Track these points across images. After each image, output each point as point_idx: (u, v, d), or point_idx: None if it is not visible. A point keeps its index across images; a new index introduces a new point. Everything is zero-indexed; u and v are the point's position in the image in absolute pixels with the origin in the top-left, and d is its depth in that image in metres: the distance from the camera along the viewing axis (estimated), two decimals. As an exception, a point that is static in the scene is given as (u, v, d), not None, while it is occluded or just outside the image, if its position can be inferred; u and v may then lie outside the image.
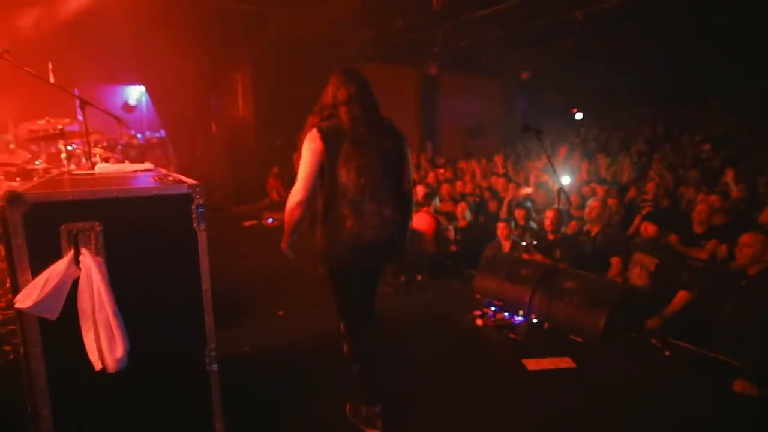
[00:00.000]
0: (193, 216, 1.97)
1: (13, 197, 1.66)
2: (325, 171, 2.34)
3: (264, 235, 7.93)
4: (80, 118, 3.57)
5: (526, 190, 6.67)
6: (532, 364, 3.43)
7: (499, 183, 7.22)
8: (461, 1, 8.01)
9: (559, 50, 9.29)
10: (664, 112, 12.47)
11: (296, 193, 2.36)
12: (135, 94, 11.19)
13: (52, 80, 5.16)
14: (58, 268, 1.71)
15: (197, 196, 1.96)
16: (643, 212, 5.21)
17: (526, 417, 2.80)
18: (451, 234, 5.86)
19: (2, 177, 4.69)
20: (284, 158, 10.12)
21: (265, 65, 9.84)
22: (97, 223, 1.79)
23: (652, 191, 6.28)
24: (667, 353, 3.54)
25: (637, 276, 4.24)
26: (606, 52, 10.77)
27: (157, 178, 2.23)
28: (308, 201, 2.37)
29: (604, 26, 8.04)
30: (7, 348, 2.82)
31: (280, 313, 4.40)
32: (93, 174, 2.89)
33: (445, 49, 9.42)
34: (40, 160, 4.96)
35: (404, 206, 2.53)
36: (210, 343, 2.07)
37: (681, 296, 3.77)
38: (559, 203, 4.76)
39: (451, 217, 6.19)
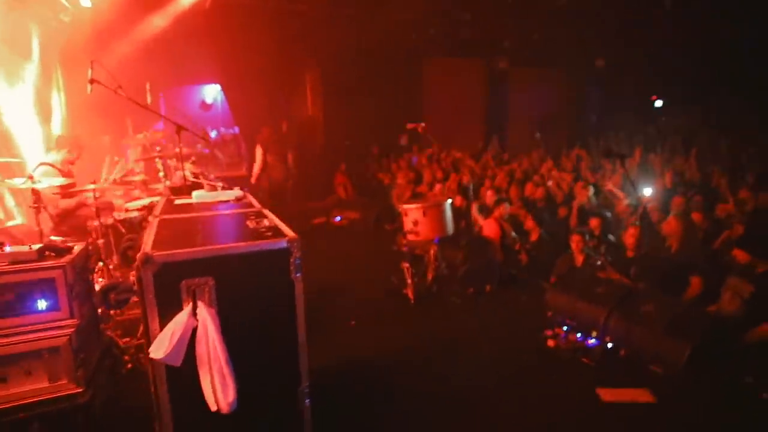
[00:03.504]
0: (291, 267, 2.14)
1: (146, 259, 1.90)
2: None
3: (332, 233, 8.23)
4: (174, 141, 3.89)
5: (589, 191, 6.39)
6: (607, 395, 3.38)
7: (575, 187, 6.88)
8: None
9: (638, 41, 8.69)
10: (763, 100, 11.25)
11: None
12: (212, 92, 11.89)
13: (149, 100, 5.64)
14: (181, 319, 1.95)
15: (295, 250, 2.13)
16: (734, 230, 4.82)
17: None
18: (518, 246, 5.78)
19: (109, 187, 5.22)
20: (352, 157, 10.38)
21: (333, 65, 10.04)
22: (211, 278, 2.01)
23: (747, 199, 5.75)
24: (765, 396, 3.31)
25: (728, 302, 3.99)
26: (693, 36, 9.92)
27: (254, 222, 2.44)
28: None
29: (692, 15, 7.40)
30: (126, 358, 3.21)
31: (352, 323, 4.58)
32: (191, 204, 3.18)
33: (515, 42, 9.10)
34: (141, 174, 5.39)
35: None
36: (304, 381, 2.26)
37: (764, 329, 3.51)
38: (641, 219, 4.58)
39: (519, 226, 6.08)
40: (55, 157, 4.84)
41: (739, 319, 3.87)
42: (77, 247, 2.62)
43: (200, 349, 1.97)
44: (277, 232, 2.24)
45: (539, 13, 8.18)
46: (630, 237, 4.70)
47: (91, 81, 3.59)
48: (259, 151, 8.55)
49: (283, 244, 2.12)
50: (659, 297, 4.08)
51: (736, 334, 3.74)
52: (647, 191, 5.83)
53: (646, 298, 4.04)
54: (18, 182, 3.74)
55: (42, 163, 4.58)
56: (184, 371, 1.96)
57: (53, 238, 4.02)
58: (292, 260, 2.13)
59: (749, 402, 3.28)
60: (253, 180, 8.56)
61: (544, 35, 9.09)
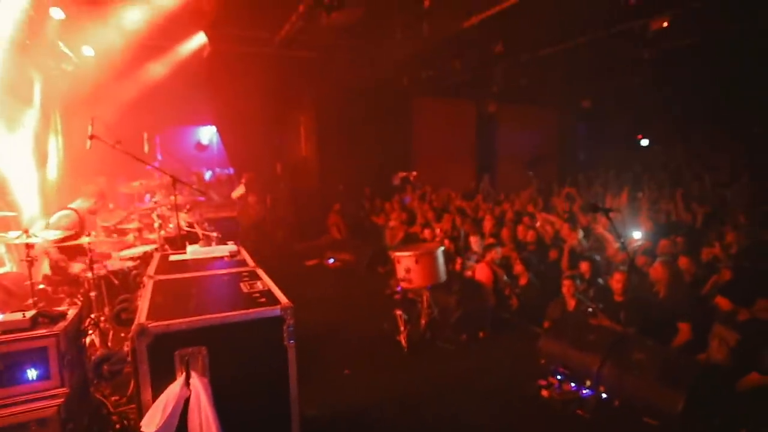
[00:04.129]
0: (285, 335, 2.17)
1: (141, 330, 1.93)
2: None
3: (326, 276, 8.22)
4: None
5: (579, 234, 6.48)
6: (602, 450, 3.36)
7: (563, 228, 7.00)
8: (522, 41, 8.00)
9: (624, 83, 9.03)
10: (747, 137, 11.57)
11: None
12: (207, 133, 12.10)
13: (146, 148, 5.75)
14: (173, 390, 1.96)
15: (288, 318, 2.16)
16: (721, 275, 4.90)
17: None
18: (508, 290, 5.82)
19: (102, 233, 5.26)
20: (346, 197, 10.50)
21: (326, 107, 10.31)
22: (204, 348, 2.03)
23: (732, 242, 5.85)
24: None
25: (716, 350, 4.03)
26: (675, 78, 10.32)
27: (248, 286, 2.48)
28: None
29: (672, 63, 7.74)
30: (114, 418, 3.16)
31: (346, 372, 4.55)
32: (186, 261, 3.22)
33: (504, 86, 9.42)
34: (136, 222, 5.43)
35: None
36: (296, 445, 2.25)
37: (752, 379, 3.54)
38: (629, 264, 4.65)
39: (510, 269, 6.14)
40: (82, 204, 4.93)
41: (727, 367, 3.90)
42: (71, 312, 2.62)
43: (192, 420, 1.97)
44: (270, 299, 2.28)
45: (525, 61, 8.51)
46: (616, 282, 4.76)
47: (91, 137, 3.70)
48: (241, 188, 9.17)
49: (276, 311, 2.16)
50: (650, 344, 4.11)
51: (726, 382, 3.76)
52: (636, 234, 5.93)
53: (637, 345, 4.07)
54: (12, 236, 3.76)
55: (67, 208, 4.67)
56: (176, 443, 1.95)
57: (42, 287, 4.03)
58: (285, 327, 2.16)
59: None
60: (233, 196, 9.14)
61: (531, 79, 9.42)
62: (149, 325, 1.95)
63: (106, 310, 4.16)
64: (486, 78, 10.03)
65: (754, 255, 5.52)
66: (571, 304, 5.19)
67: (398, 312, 5.01)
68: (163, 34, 7.30)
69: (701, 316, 4.52)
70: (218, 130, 11.25)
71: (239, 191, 9.28)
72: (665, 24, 6.57)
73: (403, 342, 4.93)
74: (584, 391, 4.04)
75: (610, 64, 8.32)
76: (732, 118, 11.55)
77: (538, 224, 7.38)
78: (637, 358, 3.93)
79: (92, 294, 4.02)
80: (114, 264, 4.47)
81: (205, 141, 12.05)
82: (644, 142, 13.71)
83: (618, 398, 3.89)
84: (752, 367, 3.66)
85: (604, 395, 3.96)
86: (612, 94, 11.60)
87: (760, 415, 3.48)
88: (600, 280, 5.46)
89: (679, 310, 4.61)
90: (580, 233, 6.53)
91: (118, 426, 3.18)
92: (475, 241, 6.53)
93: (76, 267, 4.56)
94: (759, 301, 4.27)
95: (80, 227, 4.95)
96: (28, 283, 3.59)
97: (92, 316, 3.99)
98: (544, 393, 4.09)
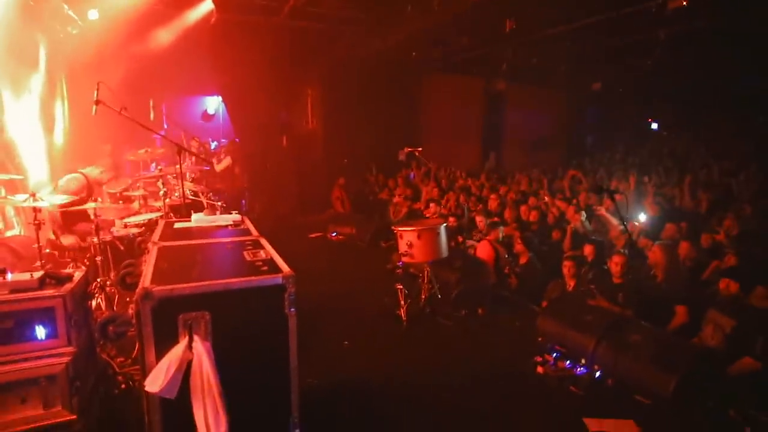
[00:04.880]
0: (286, 303, 2.21)
1: (146, 294, 1.97)
2: None
3: (328, 249, 8.29)
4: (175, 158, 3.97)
5: (582, 216, 6.47)
6: (593, 425, 3.44)
7: (569, 211, 7.00)
8: (533, 20, 7.83)
9: (635, 66, 8.86)
10: (756, 125, 11.45)
11: None
12: (213, 103, 12.00)
13: (152, 116, 5.74)
14: (176, 353, 2.02)
15: (289, 286, 2.20)
16: (724, 260, 4.91)
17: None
18: (508, 269, 5.86)
19: (108, 199, 5.30)
20: (350, 171, 10.48)
21: (334, 81, 10.18)
22: (207, 313, 2.08)
23: (731, 228, 5.84)
24: (747, 430, 3.37)
25: (710, 336, 4.07)
26: (687, 61, 10.11)
27: (251, 254, 2.51)
28: None
29: (686, 44, 7.56)
30: (119, 378, 3.26)
31: (345, 344, 4.64)
32: (190, 229, 3.25)
33: (513, 65, 9.26)
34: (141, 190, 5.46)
35: None
36: (294, 411, 2.32)
37: (745, 363, 3.59)
38: (630, 247, 4.67)
39: (511, 248, 6.16)
40: (93, 171, 4.95)
41: (721, 352, 3.95)
42: (77, 274, 2.68)
43: (194, 382, 2.03)
44: (273, 267, 2.32)
45: (536, 40, 8.33)
46: (615, 265, 4.78)
47: (97, 102, 3.69)
48: (227, 160, 9.11)
49: (278, 280, 2.19)
50: (646, 326, 4.15)
51: (719, 366, 3.81)
52: (641, 218, 5.92)
53: (633, 327, 4.11)
54: (20, 199, 3.81)
55: (77, 172, 4.71)
56: (178, 401, 2.02)
57: (48, 251, 4.09)
58: (286, 296, 2.20)
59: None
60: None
61: (542, 59, 9.25)
62: (153, 289, 1.99)
63: (112, 274, 4.24)
64: (496, 56, 9.85)
65: (753, 242, 5.52)
66: (571, 284, 5.24)
67: (399, 286, 5.07)
68: (170, -1, 7.20)
69: (698, 301, 4.56)
70: (224, 101, 11.17)
71: (225, 163, 9.19)
72: (684, 2, 6.39)
73: (402, 316, 5.00)
74: (579, 369, 4.12)
75: (621, 46, 8.13)
76: (743, 107, 11.37)
77: (546, 199, 7.37)
78: (633, 340, 3.98)
79: (98, 259, 4.08)
80: (119, 230, 4.52)
81: (211, 111, 11.96)
82: (654, 126, 13.52)
83: (612, 377, 3.96)
84: (745, 352, 3.71)
85: (598, 374, 4.04)
86: (622, 78, 11.40)
87: (750, 399, 3.54)
88: (604, 266, 5.47)
89: (676, 294, 4.65)
90: (583, 215, 6.52)
91: (123, 386, 3.28)
92: (480, 220, 6.54)
93: (66, 240, 4.60)
94: (758, 288, 4.30)
95: (88, 192, 4.99)
96: (36, 246, 3.65)
97: (98, 280, 4.07)
98: (540, 369, 4.17)
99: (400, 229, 4.99)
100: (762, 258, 5.09)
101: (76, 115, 7.03)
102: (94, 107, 3.62)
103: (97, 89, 3.60)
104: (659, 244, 5.00)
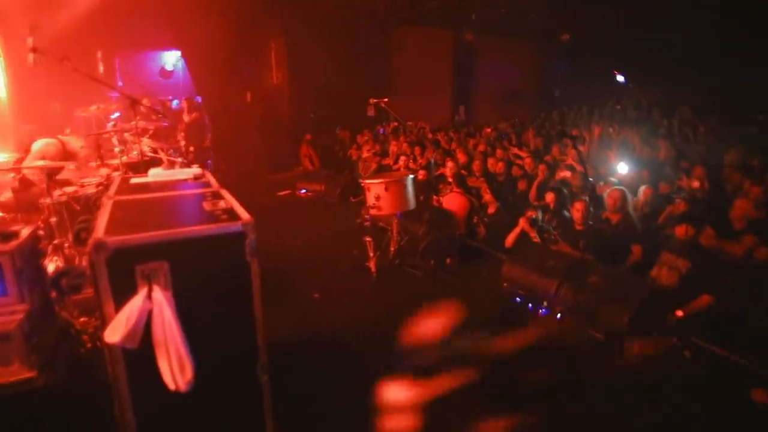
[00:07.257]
0: (246, 250, 2.19)
1: (99, 245, 1.91)
2: None
3: (297, 206, 8.22)
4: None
5: (564, 173, 6.59)
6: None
7: (526, 163, 7.14)
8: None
9: (602, 13, 8.81)
10: (715, 79, 11.66)
11: None
12: (171, 59, 11.35)
13: (101, 69, 5.39)
14: (136, 303, 1.98)
15: (249, 233, 2.17)
16: (677, 205, 5.12)
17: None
18: (477, 218, 5.96)
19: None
20: (318, 128, 10.25)
21: (298, 34, 9.77)
22: (166, 262, 2.04)
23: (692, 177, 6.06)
24: (687, 354, 3.64)
25: (665, 276, 4.29)
26: (652, 12, 10.12)
27: (210, 204, 2.46)
28: None
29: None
30: (84, 338, 3.21)
31: (315, 296, 4.69)
32: (147, 183, 3.15)
33: (483, 16, 9.06)
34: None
35: None
36: (262, 357, 2.34)
37: (703, 300, 3.82)
38: (591, 194, 4.81)
39: (479, 199, 6.26)
40: (74, 142, 4.67)
41: (675, 290, 4.18)
42: (25, 231, 2.57)
43: (156, 331, 2.01)
44: (232, 215, 2.27)
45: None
46: (576, 211, 4.93)
47: (33, 50, 3.40)
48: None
49: (238, 227, 2.15)
50: (604, 268, 4.35)
51: (672, 304, 4.05)
52: (621, 169, 6.04)
53: (592, 269, 4.30)
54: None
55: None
56: (141, 351, 2.01)
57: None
58: (247, 242, 2.17)
59: (674, 360, 3.59)
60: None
61: (510, 8, 9.07)
62: (107, 240, 1.93)
63: (70, 236, 4.09)
64: (465, 5, 9.61)
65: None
66: (532, 234, 5.37)
67: (368, 239, 5.10)
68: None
69: (652, 243, 4.79)
70: (183, 56, 10.61)
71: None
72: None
73: (372, 268, 5.07)
74: (541, 311, 4.31)
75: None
76: (708, 62, 11.55)
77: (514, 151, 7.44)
78: (592, 281, 4.17)
79: (53, 220, 3.92)
80: (75, 190, 4.33)
81: (169, 67, 11.34)
82: (620, 78, 13.63)
83: (572, 317, 4.17)
84: (702, 290, 3.93)
85: (559, 315, 4.24)
86: (593, 30, 11.34)
87: (702, 336, 3.77)
88: (566, 212, 5.63)
89: (631, 236, 4.86)
90: (564, 173, 6.62)
91: (89, 345, 3.24)
92: (448, 171, 6.57)
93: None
94: (707, 228, 4.53)
95: (62, 159, 4.71)
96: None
97: (55, 242, 3.93)
98: (504, 313, 4.34)
99: (367, 181, 4.98)
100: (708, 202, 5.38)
101: (14, 68, 6.51)
102: (31, 55, 3.35)
103: (31, 34, 3.30)
104: (614, 188, 5.16)
